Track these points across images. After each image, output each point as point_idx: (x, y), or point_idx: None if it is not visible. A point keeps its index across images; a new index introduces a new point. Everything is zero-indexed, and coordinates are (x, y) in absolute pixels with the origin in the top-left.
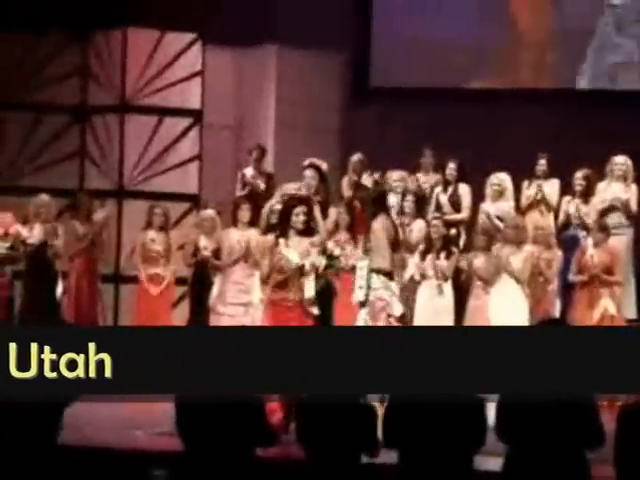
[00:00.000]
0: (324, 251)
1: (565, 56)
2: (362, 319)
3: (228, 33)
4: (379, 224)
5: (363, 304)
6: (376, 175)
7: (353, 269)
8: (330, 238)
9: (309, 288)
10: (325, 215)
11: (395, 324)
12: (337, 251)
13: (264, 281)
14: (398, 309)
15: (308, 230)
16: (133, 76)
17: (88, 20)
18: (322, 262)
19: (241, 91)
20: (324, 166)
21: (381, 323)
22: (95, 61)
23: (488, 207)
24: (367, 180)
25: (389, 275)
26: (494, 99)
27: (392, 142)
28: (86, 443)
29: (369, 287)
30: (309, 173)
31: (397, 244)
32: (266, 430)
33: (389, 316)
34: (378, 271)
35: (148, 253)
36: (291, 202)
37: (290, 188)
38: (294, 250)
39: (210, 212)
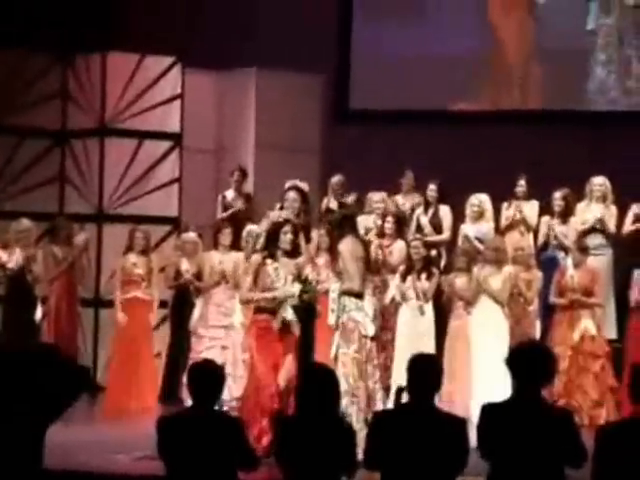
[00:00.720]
0: (299, 276)
1: (546, 77)
2: (336, 341)
3: (208, 56)
4: (345, 245)
5: (336, 327)
6: (352, 197)
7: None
8: (312, 261)
9: (288, 311)
10: (308, 238)
11: (369, 344)
12: (311, 276)
13: (245, 302)
14: (370, 329)
15: (295, 251)
16: (113, 99)
17: (68, 44)
18: (295, 290)
19: (221, 113)
20: (306, 188)
21: (354, 345)
22: (75, 85)
23: (468, 228)
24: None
25: (359, 296)
26: (474, 121)
27: (372, 164)
28: (67, 467)
29: (343, 309)
30: (292, 195)
31: (368, 264)
32: (247, 453)
33: (363, 337)
34: (349, 293)
35: (129, 277)
36: (278, 223)
37: (275, 215)
38: (281, 270)
39: (192, 235)
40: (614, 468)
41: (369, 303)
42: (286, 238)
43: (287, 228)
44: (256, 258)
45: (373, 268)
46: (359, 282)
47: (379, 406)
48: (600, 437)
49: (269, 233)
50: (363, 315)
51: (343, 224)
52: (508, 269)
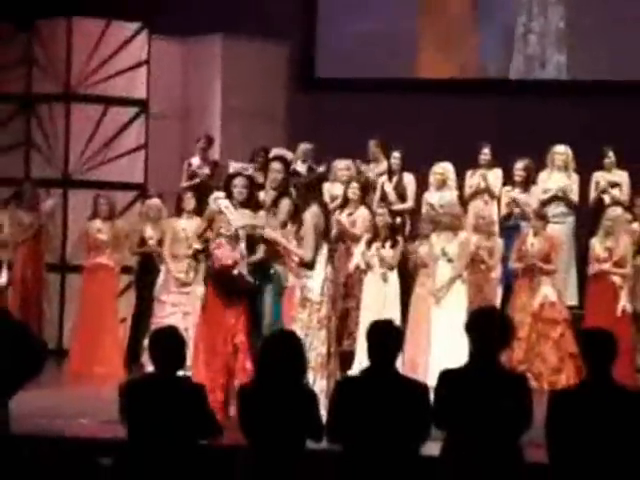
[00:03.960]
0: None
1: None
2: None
3: (174, 22)
4: (310, 215)
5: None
6: (323, 167)
7: None
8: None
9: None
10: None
11: (322, 310)
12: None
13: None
14: (316, 294)
15: (251, 204)
16: (78, 65)
17: (33, 9)
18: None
19: (187, 80)
20: (289, 156)
21: (306, 310)
22: (40, 50)
23: (431, 196)
24: (302, 168)
25: (309, 266)
26: (440, 89)
27: (338, 131)
28: (31, 432)
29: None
30: (276, 166)
31: (326, 234)
32: (209, 420)
33: (314, 303)
34: (300, 262)
35: (94, 243)
36: (233, 174)
37: (236, 167)
38: (236, 217)
39: (155, 201)
40: (565, 432)
41: (320, 269)
42: (237, 190)
43: (238, 181)
44: (212, 208)
45: (337, 236)
46: (311, 254)
47: (333, 373)
48: (552, 401)
49: (224, 183)
50: (312, 281)
51: (309, 189)
52: (464, 234)
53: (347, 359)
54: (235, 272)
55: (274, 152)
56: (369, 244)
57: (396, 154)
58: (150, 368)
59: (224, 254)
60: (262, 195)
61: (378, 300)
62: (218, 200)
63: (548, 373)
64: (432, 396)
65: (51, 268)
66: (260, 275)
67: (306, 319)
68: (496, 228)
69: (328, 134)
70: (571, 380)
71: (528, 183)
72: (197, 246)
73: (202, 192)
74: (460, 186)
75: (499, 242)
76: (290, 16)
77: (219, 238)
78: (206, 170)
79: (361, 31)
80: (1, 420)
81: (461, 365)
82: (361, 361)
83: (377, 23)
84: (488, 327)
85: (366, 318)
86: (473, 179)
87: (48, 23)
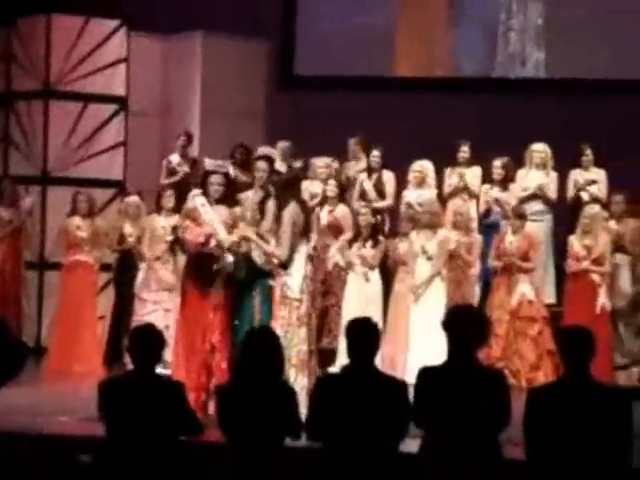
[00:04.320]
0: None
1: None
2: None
3: (154, 20)
4: (288, 213)
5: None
6: (299, 163)
7: None
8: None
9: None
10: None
11: (301, 308)
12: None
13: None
14: (295, 293)
15: (227, 201)
16: (58, 62)
17: (13, 5)
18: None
19: (167, 77)
20: (275, 155)
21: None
22: (19, 47)
23: (410, 194)
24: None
25: (284, 267)
26: (418, 87)
27: (317, 129)
28: (9, 429)
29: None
30: (261, 165)
31: (305, 232)
32: (188, 418)
33: (293, 300)
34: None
35: (73, 240)
36: (209, 171)
37: (212, 164)
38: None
39: (134, 198)
40: (543, 429)
41: (299, 266)
42: (213, 188)
43: (213, 179)
44: (189, 206)
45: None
46: (286, 252)
47: (314, 370)
48: (529, 398)
49: (201, 184)
50: (291, 279)
51: (288, 187)
52: (443, 232)
53: (327, 356)
54: (212, 246)
55: (260, 151)
56: (350, 243)
57: (376, 152)
58: (131, 366)
59: (193, 233)
60: (245, 194)
61: (360, 299)
62: (195, 197)
63: (526, 370)
64: (411, 393)
65: (30, 265)
66: (248, 273)
67: (286, 316)
68: (475, 225)
69: (308, 131)
70: (549, 377)
71: (507, 181)
72: (169, 237)
73: (182, 189)
74: (439, 184)
75: (478, 239)
76: (270, 13)
77: (185, 222)
78: (185, 168)
79: (340, 28)
80: None
81: (439, 363)
82: (343, 359)
83: (357, 20)
84: (465, 325)
85: (348, 317)
86: (452, 178)
87: (27, 20)
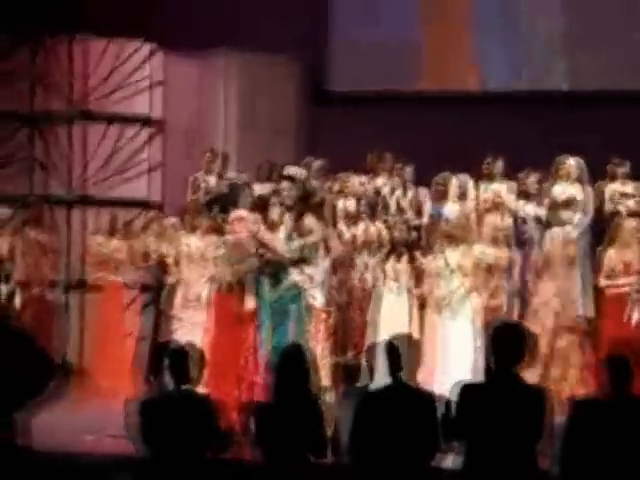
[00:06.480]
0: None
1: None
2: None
3: (184, 38)
4: (316, 225)
5: None
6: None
7: None
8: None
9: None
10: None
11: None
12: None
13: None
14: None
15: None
16: (92, 84)
17: (36, 26)
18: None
19: (199, 96)
20: (299, 174)
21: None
22: (44, 68)
23: (434, 207)
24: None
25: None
26: (453, 102)
27: (350, 146)
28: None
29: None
30: (285, 185)
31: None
32: (217, 434)
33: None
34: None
35: (102, 258)
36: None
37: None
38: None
39: (172, 219)
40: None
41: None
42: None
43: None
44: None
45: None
46: (293, 254)
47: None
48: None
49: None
50: (316, 290)
51: (318, 204)
52: (475, 246)
53: (352, 371)
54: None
55: (286, 170)
56: (386, 257)
57: (408, 169)
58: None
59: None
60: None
61: (393, 315)
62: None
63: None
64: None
65: (56, 285)
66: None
67: (311, 330)
68: (511, 239)
69: (340, 148)
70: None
71: (541, 195)
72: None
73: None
74: (473, 198)
75: (516, 254)
76: (301, 30)
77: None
78: (223, 187)
79: (370, 42)
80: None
81: (483, 380)
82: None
83: (385, 34)
84: (510, 341)
85: (382, 333)
86: (487, 194)
87: (51, 40)
